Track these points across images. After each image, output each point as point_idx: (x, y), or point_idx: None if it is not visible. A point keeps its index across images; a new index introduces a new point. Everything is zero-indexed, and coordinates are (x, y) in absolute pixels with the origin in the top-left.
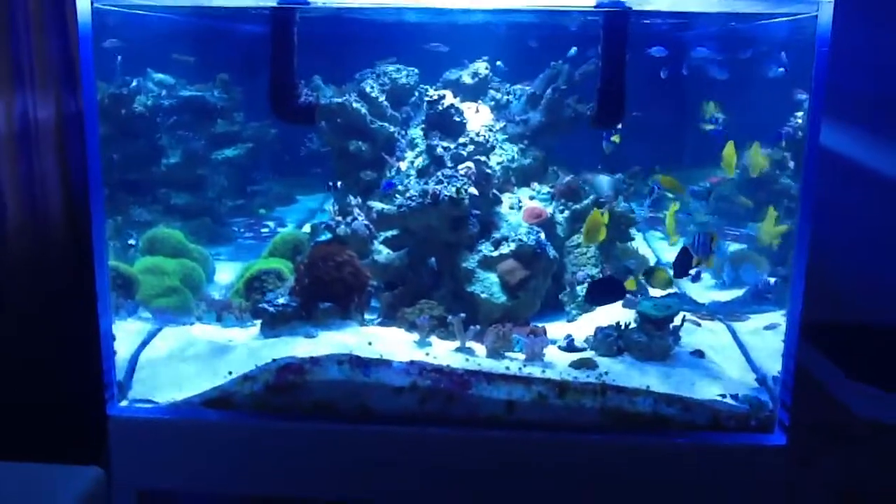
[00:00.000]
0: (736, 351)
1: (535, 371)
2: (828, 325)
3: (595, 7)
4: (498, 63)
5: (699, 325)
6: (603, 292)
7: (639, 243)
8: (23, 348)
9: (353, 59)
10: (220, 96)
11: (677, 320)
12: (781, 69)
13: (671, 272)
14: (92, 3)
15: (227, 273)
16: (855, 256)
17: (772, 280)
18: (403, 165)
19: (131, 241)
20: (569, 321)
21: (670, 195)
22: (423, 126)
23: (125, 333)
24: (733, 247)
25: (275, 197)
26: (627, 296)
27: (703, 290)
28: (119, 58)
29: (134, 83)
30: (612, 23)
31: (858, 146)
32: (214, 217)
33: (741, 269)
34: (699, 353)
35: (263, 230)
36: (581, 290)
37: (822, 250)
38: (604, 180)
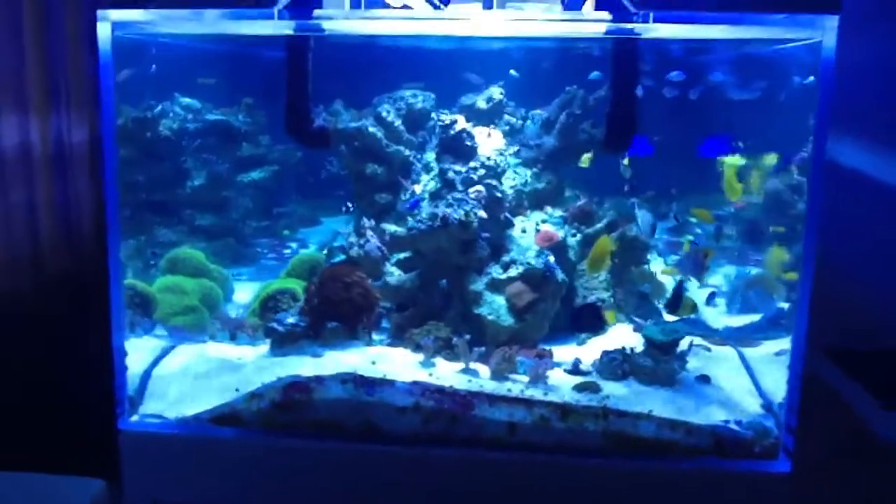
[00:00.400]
0: (745, 377)
1: (536, 393)
2: (864, 352)
3: (604, 34)
4: (512, 72)
5: (709, 350)
6: (581, 320)
7: (659, 268)
8: (48, 362)
9: (377, 85)
10: (245, 120)
11: (684, 345)
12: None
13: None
14: (112, 32)
15: (246, 293)
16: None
17: (786, 306)
18: (418, 189)
19: (152, 262)
20: (579, 345)
21: (692, 220)
22: (435, 150)
23: (141, 350)
24: (754, 271)
25: (299, 219)
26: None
27: (720, 315)
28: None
29: (159, 108)
30: (619, 49)
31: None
32: (238, 238)
33: (754, 295)
34: (705, 379)
35: (286, 251)
36: None
37: (857, 276)
38: (646, 216)
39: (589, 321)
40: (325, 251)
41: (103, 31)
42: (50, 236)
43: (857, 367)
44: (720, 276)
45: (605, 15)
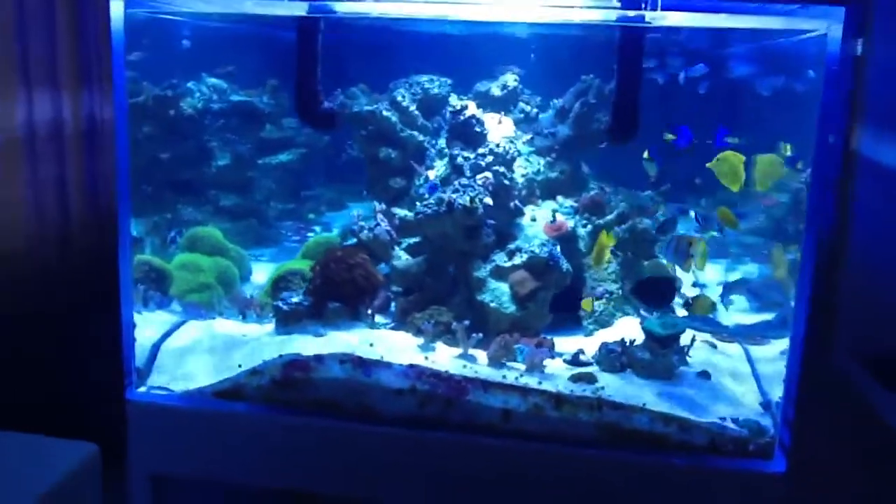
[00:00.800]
0: (748, 375)
1: (531, 381)
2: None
3: (616, 21)
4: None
5: (715, 347)
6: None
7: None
8: (69, 331)
9: (399, 69)
10: (269, 102)
11: (686, 340)
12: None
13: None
14: (125, 9)
15: (264, 273)
16: None
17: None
18: (432, 174)
19: (171, 236)
20: (586, 336)
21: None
22: (446, 135)
23: (153, 324)
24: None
25: (326, 202)
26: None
27: (736, 312)
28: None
29: (187, 86)
30: (626, 37)
31: None
32: (261, 219)
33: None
34: (705, 375)
35: (310, 234)
36: (599, 305)
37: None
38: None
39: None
40: (339, 234)
41: (115, 8)
42: (78, 213)
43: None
44: (739, 273)
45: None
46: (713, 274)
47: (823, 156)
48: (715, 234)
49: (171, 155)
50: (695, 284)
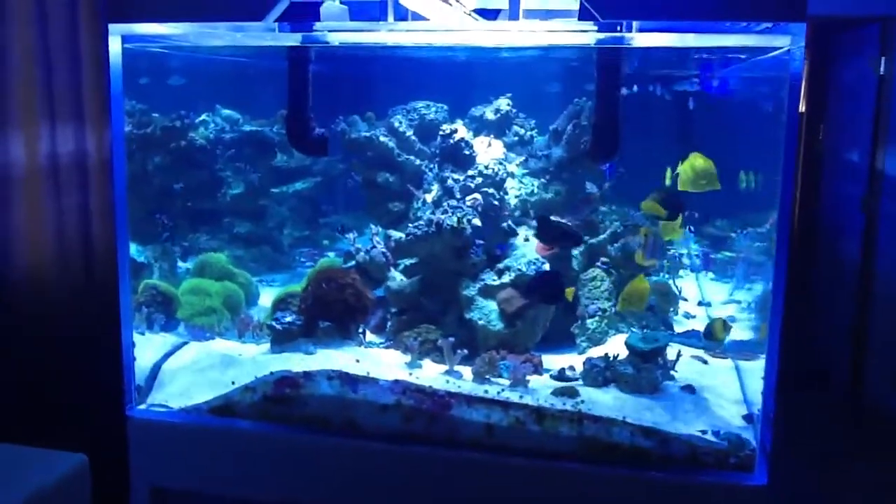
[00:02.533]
0: (736, 389)
1: (513, 396)
2: None
3: (595, 44)
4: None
5: (706, 362)
6: (541, 287)
7: (689, 282)
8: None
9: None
10: (279, 131)
11: (672, 355)
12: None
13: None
14: (122, 45)
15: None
16: None
17: None
18: (429, 197)
19: (180, 263)
20: (579, 353)
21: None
22: (437, 159)
23: (156, 345)
24: None
25: (339, 227)
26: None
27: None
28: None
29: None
30: (604, 59)
31: None
32: (274, 245)
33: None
34: (690, 389)
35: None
36: (591, 323)
37: None
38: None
39: (552, 291)
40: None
41: (113, 45)
42: (99, 238)
43: None
44: (745, 293)
45: (589, 25)
46: (719, 295)
47: (790, 173)
48: (728, 253)
49: (185, 184)
50: (700, 303)
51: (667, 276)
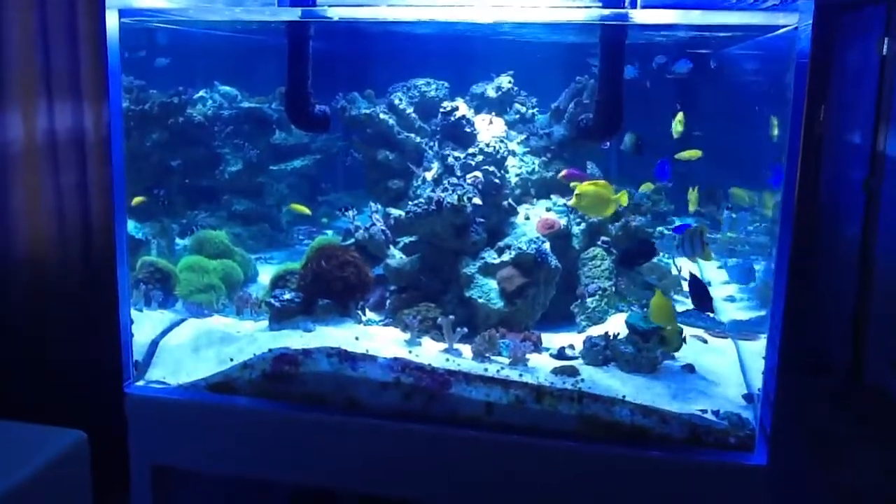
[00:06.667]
0: (736, 369)
1: (512, 374)
2: None
3: (599, 20)
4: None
5: (705, 342)
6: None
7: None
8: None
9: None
10: (277, 108)
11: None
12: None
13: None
14: (119, 19)
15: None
16: None
17: None
18: (429, 175)
19: (178, 240)
20: (579, 332)
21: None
22: (437, 136)
23: (154, 322)
24: None
25: (342, 207)
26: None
27: (737, 308)
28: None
29: (199, 94)
30: (607, 36)
31: None
32: (273, 223)
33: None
34: (690, 368)
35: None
36: (591, 302)
37: None
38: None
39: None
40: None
41: (111, 19)
42: (98, 216)
43: None
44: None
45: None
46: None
47: (796, 157)
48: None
49: (183, 160)
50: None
51: (667, 255)
